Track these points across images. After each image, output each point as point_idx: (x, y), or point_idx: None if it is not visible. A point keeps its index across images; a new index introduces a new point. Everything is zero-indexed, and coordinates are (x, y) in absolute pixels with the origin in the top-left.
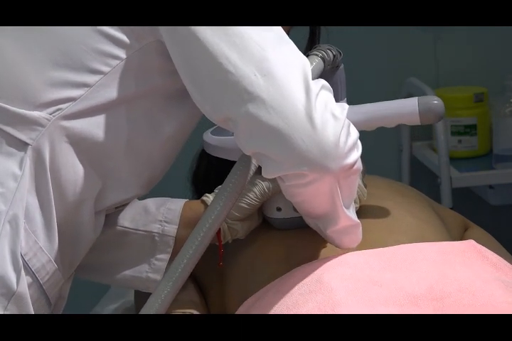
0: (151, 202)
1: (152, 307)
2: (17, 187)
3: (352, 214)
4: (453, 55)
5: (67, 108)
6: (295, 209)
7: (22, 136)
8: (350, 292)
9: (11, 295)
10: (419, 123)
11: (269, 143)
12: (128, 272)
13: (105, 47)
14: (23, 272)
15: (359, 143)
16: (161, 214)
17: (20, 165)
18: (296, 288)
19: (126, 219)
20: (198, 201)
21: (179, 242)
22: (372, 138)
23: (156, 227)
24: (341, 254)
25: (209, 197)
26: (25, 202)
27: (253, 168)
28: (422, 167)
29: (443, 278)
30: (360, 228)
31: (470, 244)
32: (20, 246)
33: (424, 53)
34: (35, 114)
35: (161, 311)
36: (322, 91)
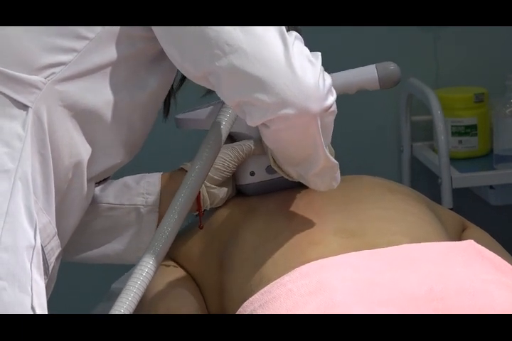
0: (129, 179)
1: (143, 269)
2: (22, 147)
3: (329, 155)
4: (453, 55)
5: (60, 72)
6: (267, 171)
7: (22, 99)
8: (350, 293)
9: (32, 248)
10: (379, 88)
11: (254, 91)
12: (118, 246)
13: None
14: (37, 228)
15: (333, 88)
16: (142, 187)
17: (23, 127)
18: (296, 289)
19: (110, 197)
20: (177, 170)
21: (163, 209)
22: (373, 139)
23: (140, 200)
24: (340, 255)
25: (187, 165)
26: (30, 162)
27: (225, 134)
28: (422, 167)
29: (443, 279)
30: (338, 169)
31: (470, 244)
32: None
33: (424, 54)
34: (33, 77)
35: (153, 271)
36: (296, 41)
